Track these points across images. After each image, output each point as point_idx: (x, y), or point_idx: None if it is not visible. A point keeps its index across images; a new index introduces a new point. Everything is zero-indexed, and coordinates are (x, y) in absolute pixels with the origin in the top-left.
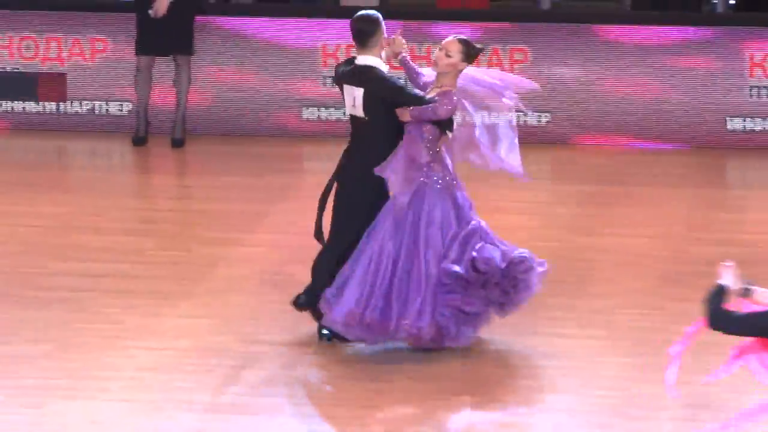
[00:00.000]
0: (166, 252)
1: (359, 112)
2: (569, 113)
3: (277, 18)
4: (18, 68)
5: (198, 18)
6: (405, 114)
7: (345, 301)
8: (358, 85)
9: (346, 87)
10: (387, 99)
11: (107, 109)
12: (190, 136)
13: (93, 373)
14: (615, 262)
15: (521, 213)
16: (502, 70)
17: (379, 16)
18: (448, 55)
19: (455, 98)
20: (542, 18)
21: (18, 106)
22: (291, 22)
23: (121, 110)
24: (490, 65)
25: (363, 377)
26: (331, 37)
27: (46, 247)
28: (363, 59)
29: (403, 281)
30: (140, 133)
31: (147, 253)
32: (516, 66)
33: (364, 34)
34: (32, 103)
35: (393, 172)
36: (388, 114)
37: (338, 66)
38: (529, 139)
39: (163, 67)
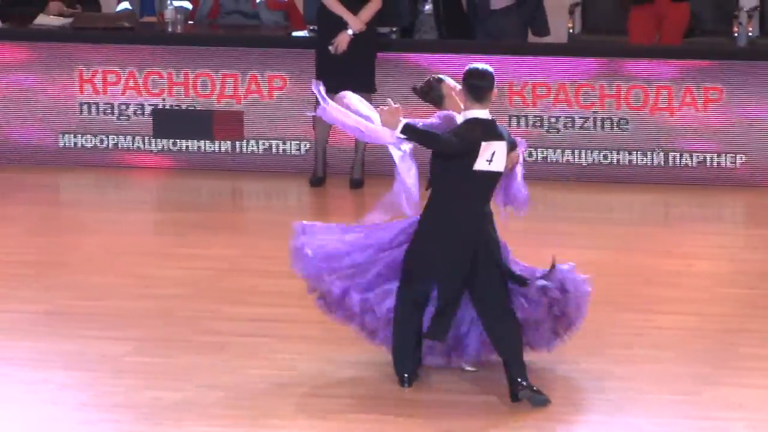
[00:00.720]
0: None
1: (497, 167)
2: (765, 155)
3: (462, 54)
4: (193, 106)
5: (379, 54)
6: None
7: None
8: (498, 139)
9: (485, 144)
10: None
11: (284, 149)
12: (369, 177)
13: (263, 421)
14: None
15: (711, 258)
16: (696, 109)
17: (492, 71)
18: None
19: None
20: (738, 55)
21: (193, 144)
22: (476, 59)
23: (299, 150)
24: (682, 104)
25: None
26: (517, 74)
27: (219, 291)
28: (482, 113)
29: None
30: (318, 174)
31: None
32: (710, 105)
33: (481, 89)
34: (207, 142)
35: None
36: None
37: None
38: (721, 181)
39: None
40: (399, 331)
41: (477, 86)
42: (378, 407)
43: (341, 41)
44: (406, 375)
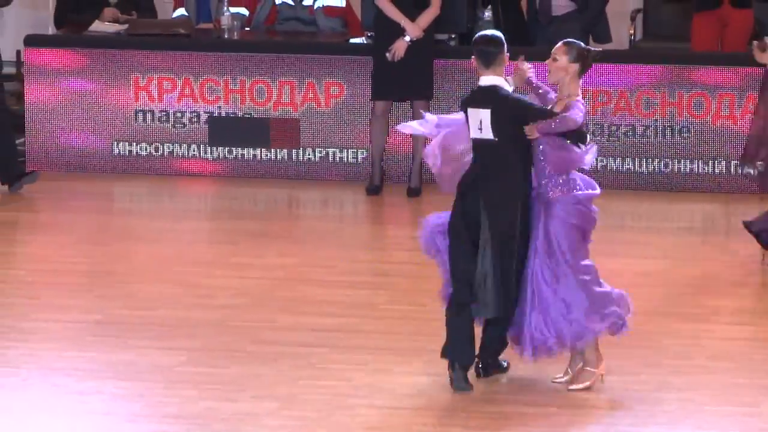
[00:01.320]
0: (398, 306)
1: (487, 135)
2: None
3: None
4: (249, 113)
5: (437, 61)
6: (533, 131)
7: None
8: (484, 107)
9: (471, 110)
10: (515, 117)
11: (341, 157)
12: (426, 185)
13: None
14: None
15: None
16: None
17: (502, 36)
18: (554, 59)
19: (582, 105)
20: None
21: (249, 152)
22: (535, 65)
23: (356, 158)
24: (745, 112)
25: None
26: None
27: (274, 300)
28: (486, 80)
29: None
30: (375, 182)
31: (378, 307)
32: None
33: (489, 54)
34: (264, 150)
35: None
36: (517, 134)
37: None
38: None
39: (400, 112)
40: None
41: (484, 52)
42: (437, 418)
43: (399, 48)
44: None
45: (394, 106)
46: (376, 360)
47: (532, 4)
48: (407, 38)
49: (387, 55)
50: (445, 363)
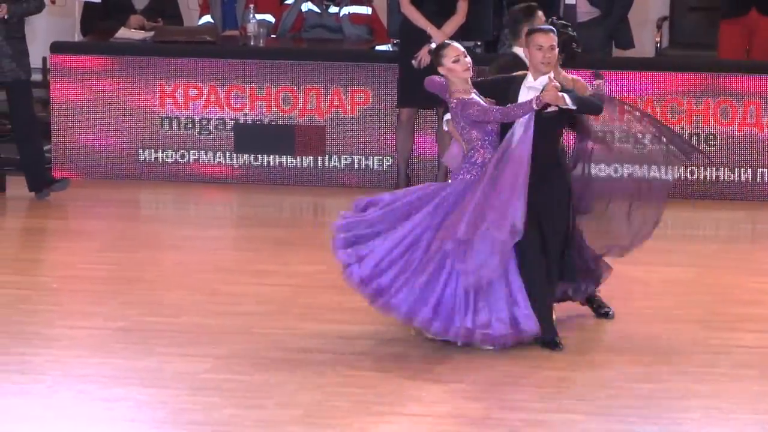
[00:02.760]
0: None
1: None
2: None
3: None
4: (275, 120)
5: None
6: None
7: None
8: None
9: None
10: None
11: (367, 164)
12: None
13: None
14: None
15: None
16: None
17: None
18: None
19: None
20: None
21: (274, 159)
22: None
23: (382, 165)
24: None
25: None
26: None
27: (298, 308)
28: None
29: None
30: (401, 188)
31: None
32: None
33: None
34: (289, 157)
35: None
36: None
37: None
38: None
39: (426, 119)
40: None
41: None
42: (462, 425)
43: (424, 55)
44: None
45: (420, 114)
46: (401, 367)
47: (556, 10)
48: (433, 45)
49: (413, 62)
50: (468, 370)
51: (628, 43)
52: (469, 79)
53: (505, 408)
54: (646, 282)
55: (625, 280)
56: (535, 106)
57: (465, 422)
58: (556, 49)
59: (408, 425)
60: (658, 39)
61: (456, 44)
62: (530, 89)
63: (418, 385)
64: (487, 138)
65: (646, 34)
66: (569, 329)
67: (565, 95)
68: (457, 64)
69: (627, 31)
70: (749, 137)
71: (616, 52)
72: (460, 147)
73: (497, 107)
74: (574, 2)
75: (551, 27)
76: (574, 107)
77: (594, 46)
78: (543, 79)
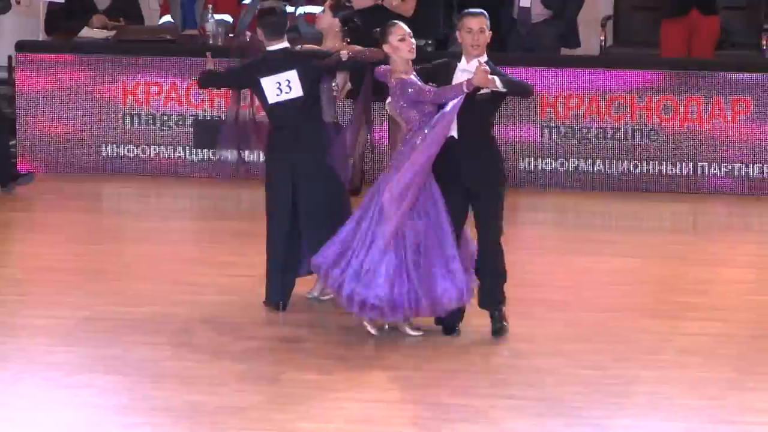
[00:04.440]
0: None
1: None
2: None
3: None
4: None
5: (414, 65)
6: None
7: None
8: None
9: None
10: None
11: None
12: None
13: (300, 425)
14: None
15: (739, 267)
16: (725, 120)
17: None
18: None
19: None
20: (766, 68)
21: (233, 154)
22: (511, 71)
23: None
24: (712, 115)
25: None
26: (550, 86)
27: (258, 297)
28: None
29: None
30: (355, 183)
31: None
32: (738, 116)
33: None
34: (247, 152)
35: None
36: None
37: None
38: (749, 191)
39: (378, 111)
40: None
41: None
42: (417, 411)
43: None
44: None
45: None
46: (357, 355)
47: (508, 11)
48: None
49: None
50: (421, 358)
51: (575, 42)
52: (410, 61)
53: (456, 394)
54: (593, 272)
55: (572, 270)
56: (465, 89)
57: (418, 408)
58: (487, 32)
59: (363, 411)
60: (602, 37)
61: (402, 24)
62: (463, 72)
63: (373, 372)
64: (425, 119)
65: (592, 33)
66: (517, 317)
67: (496, 78)
68: (402, 43)
69: (574, 30)
70: (691, 132)
71: (564, 51)
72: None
73: (432, 88)
74: (528, 5)
75: (482, 11)
76: (504, 90)
77: (545, 45)
78: (474, 63)
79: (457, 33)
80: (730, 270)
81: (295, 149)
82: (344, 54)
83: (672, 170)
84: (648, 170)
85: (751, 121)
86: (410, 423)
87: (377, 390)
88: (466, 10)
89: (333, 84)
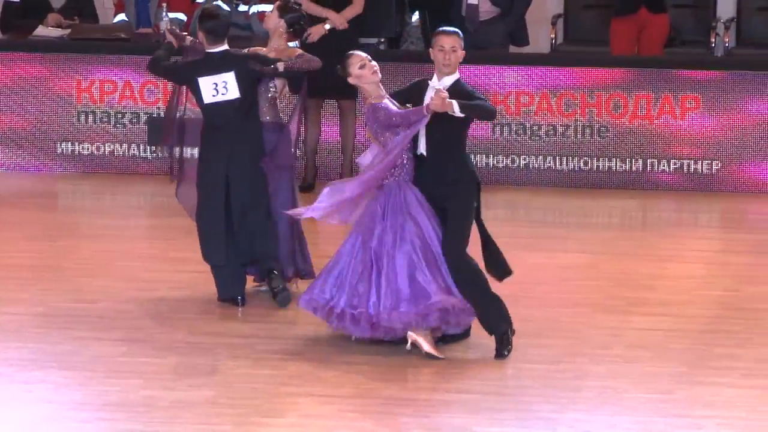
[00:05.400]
0: None
1: None
2: (740, 161)
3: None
4: (188, 114)
5: None
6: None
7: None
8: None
9: None
10: None
11: None
12: None
13: (254, 419)
14: None
15: (688, 262)
16: (674, 117)
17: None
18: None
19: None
20: (715, 65)
21: (187, 152)
22: (462, 69)
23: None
24: (661, 112)
25: None
26: (501, 84)
27: (210, 294)
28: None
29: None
30: (308, 180)
31: None
32: (687, 113)
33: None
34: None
35: None
36: None
37: None
38: (698, 187)
39: (330, 109)
40: None
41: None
42: (369, 406)
43: (315, 32)
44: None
45: (325, 104)
46: (310, 350)
47: (459, 10)
48: (327, 26)
49: (305, 37)
50: (374, 353)
51: (524, 40)
52: (379, 84)
53: (408, 389)
54: (544, 268)
55: (523, 266)
56: (425, 113)
57: (371, 402)
58: (459, 51)
59: (315, 406)
60: (553, 35)
61: (358, 52)
62: (434, 90)
63: (326, 367)
64: None
65: (542, 31)
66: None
67: (453, 103)
68: (363, 70)
69: (523, 28)
70: (640, 129)
71: (512, 49)
72: (377, 150)
73: (399, 111)
74: (476, 2)
75: (456, 30)
76: (461, 115)
77: (494, 43)
78: (444, 82)
79: (431, 50)
80: (680, 265)
81: (229, 150)
82: (280, 65)
83: (622, 167)
84: (598, 167)
85: (700, 118)
86: (363, 418)
87: (330, 385)
88: (440, 28)
89: (271, 85)
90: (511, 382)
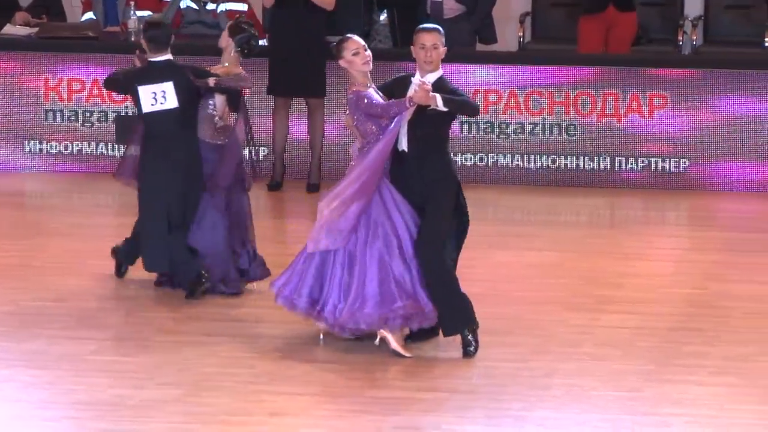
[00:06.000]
0: None
1: None
2: (707, 159)
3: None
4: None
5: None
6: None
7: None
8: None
9: None
10: None
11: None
12: (325, 181)
13: (222, 417)
14: (751, 310)
15: (656, 260)
16: (642, 115)
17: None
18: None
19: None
20: (683, 63)
21: None
22: None
23: (257, 155)
24: (628, 110)
25: None
26: (468, 82)
27: (180, 292)
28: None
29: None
30: (276, 178)
31: None
32: (655, 111)
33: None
34: None
35: None
36: None
37: None
38: (666, 185)
39: (298, 107)
40: None
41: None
42: (336, 404)
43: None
44: None
45: (294, 102)
46: (278, 348)
47: (424, 7)
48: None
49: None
50: (341, 351)
51: (491, 38)
52: (368, 74)
53: (376, 387)
54: (511, 266)
55: (490, 264)
56: (408, 105)
57: (338, 401)
58: (441, 48)
59: (283, 404)
60: (520, 34)
61: (356, 38)
62: (419, 82)
63: (293, 365)
64: (382, 132)
65: (510, 29)
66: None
67: (437, 96)
68: (356, 57)
69: (490, 26)
70: (607, 127)
71: (480, 47)
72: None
73: (381, 102)
74: None
75: (437, 27)
76: (445, 109)
77: (459, 41)
78: (428, 78)
79: (412, 48)
80: (647, 263)
81: (168, 159)
82: (211, 80)
83: (589, 165)
84: (566, 165)
85: (668, 116)
86: (332, 416)
87: (299, 383)
88: (421, 26)
89: (210, 103)
90: (480, 380)
